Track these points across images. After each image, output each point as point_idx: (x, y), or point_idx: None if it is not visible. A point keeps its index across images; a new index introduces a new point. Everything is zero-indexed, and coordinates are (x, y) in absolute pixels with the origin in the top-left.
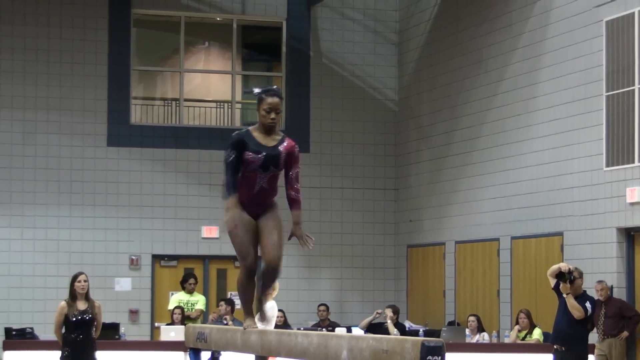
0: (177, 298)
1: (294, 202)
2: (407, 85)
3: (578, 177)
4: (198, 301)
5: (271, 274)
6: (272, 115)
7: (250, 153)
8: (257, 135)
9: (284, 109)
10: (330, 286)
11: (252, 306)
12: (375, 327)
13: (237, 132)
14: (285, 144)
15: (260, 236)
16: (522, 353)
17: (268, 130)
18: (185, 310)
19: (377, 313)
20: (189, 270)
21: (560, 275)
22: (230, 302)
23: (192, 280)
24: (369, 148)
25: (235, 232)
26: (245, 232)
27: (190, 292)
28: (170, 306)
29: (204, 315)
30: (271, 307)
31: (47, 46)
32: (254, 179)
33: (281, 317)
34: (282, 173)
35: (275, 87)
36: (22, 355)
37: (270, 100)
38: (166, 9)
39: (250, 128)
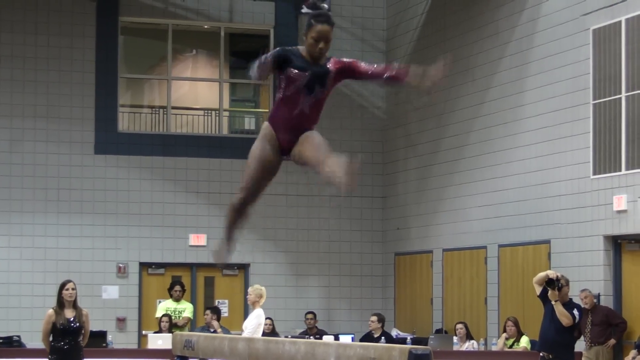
0: (165, 306)
1: (402, 74)
2: (394, 93)
3: (565, 185)
4: (185, 309)
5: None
6: (321, 45)
7: (295, 70)
8: (305, 55)
9: None
10: (318, 294)
11: (233, 237)
12: (365, 338)
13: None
14: (332, 60)
15: (300, 151)
16: None
17: (315, 59)
18: (173, 318)
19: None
20: (177, 278)
21: (549, 283)
22: (216, 310)
23: (178, 288)
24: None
25: (251, 164)
26: (259, 167)
27: (177, 300)
28: (158, 314)
29: (191, 323)
30: (257, 315)
31: (34, 54)
32: (296, 100)
33: (270, 325)
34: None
35: (327, 9)
36: None
37: (320, 27)
38: (154, 17)
39: (298, 47)
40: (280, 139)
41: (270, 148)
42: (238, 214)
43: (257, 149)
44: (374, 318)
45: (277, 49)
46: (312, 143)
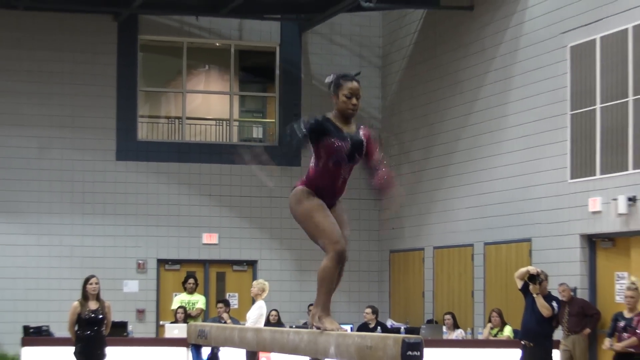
0: (180, 299)
1: (387, 185)
2: (389, 104)
3: (545, 188)
4: (198, 301)
5: (342, 266)
6: (354, 101)
7: (335, 139)
8: (338, 123)
9: (277, 125)
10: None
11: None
12: (361, 328)
13: (313, 116)
14: (362, 130)
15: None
16: (493, 348)
17: (347, 118)
18: (187, 309)
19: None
20: (191, 273)
21: (531, 278)
22: (227, 303)
23: (191, 281)
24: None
25: (323, 214)
26: (329, 215)
27: (191, 293)
28: (174, 306)
29: (204, 314)
30: (259, 306)
31: (61, 69)
32: (338, 171)
33: (276, 315)
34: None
35: (351, 73)
36: (39, 351)
37: (351, 85)
38: (170, 35)
39: (326, 115)
40: (327, 203)
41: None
42: (335, 275)
43: (316, 203)
44: (369, 310)
45: (312, 120)
46: (343, 223)
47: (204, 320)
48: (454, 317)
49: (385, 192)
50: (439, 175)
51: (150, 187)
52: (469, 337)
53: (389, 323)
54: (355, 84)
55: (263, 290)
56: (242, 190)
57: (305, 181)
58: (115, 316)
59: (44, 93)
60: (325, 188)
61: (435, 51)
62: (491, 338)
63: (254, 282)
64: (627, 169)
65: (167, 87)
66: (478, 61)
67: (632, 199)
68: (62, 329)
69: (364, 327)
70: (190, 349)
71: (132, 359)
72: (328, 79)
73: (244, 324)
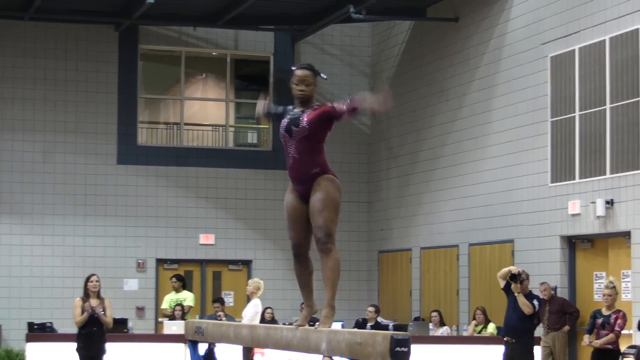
0: (168, 298)
1: (353, 108)
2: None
3: (527, 191)
4: (185, 298)
5: (320, 250)
6: (301, 87)
7: (281, 120)
8: (296, 109)
9: (271, 131)
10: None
11: (307, 293)
12: (361, 325)
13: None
14: (312, 109)
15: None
16: (478, 344)
17: (302, 103)
18: (170, 306)
19: None
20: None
21: (513, 277)
22: (222, 301)
23: (174, 280)
24: (345, 166)
25: (285, 215)
26: (289, 216)
27: (177, 291)
28: (163, 306)
29: (200, 311)
30: (255, 304)
31: (64, 77)
32: (286, 149)
33: (270, 313)
34: (316, 139)
35: (308, 63)
36: (43, 347)
37: (299, 72)
38: (169, 45)
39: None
40: (297, 189)
41: (294, 197)
42: (298, 268)
43: (285, 201)
44: (372, 308)
45: (272, 110)
46: (314, 226)
47: (200, 318)
48: (440, 314)
49: (355, 106)
50: (426, 179)
51: (149, 190)
52: (455, 333)
53: (378, 320)
54: (304, 71)
55: (258, 289)
56: (237, 193)
57: None
58: (115, 313)
59: (48, 100)
60: (289, 172)
61: (422, 61)
62: (475, 334)
63: (250, 281)
64: (604, 174)
65: (166, 94)
66: (463, 70)
67: (609, 202)
68: (65, 326)
69: (362, 324)
70: (187, 344)
71: (132, 355)
72: (291, 69)
73: (240, 321)
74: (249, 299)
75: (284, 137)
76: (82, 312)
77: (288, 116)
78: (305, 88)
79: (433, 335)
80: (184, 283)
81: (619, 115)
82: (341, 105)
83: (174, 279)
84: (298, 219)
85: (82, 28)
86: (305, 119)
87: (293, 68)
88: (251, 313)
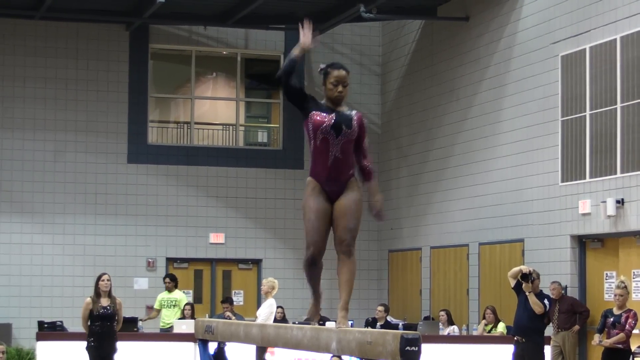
0: (160, 297)
1: (369, 173)
2: (388, 110)
3: (537, 191)
4: (177, 299)
5: (343, 252)
6: (340, 88)
7: (319, 112)
8: (326, 103)
9: (281, 130)
10: (322, 286)
11: (318, 291)
12: (371, 324)
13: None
14: (355, 113)
15: (334, 219)
16: (487, 344)
17: (335, 104)
18: (166, 307)
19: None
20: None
21: (523, 277)
22: (230, 301)
23: (167, 280)
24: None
25: (308, 216)
26: (317, 218)
27: (169, 290)
28: (156, 305)
29: (210, 310)
30: (270, 304)
31: (75, 76)
32: (327, 146)
33: (281, 312)
34: (357, 143)
35: (340, 62)
36: (53, 345)
37: (337, 73)
38: (179, 44)
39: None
40: (327, 190)
41: (323, 200)
42: (313, 269)
43: (311, 202)
44: (381, 308)
45: (298, 84)
46: (339, 226)
47: (210, 317)
48: (448, 313)
49: (368, 179)
50: (436, 178)
51: (159, 189)
52: (464, 333)
53: (388, 319)
54: (342, 71)
55: (273, 288)
56: (247, 192)
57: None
58: (125, 312)
59: (59, 99)
60: (320, 172)
61: (432, 60)
62: (485, 334)
63: (264, 280)
64: (615, 173)
65: (177, 93)
66: (473, 69)
67: (620, 202)
68: (75, 324)
69: (372, 323)
70: (197, 343)
71: (142, 354)
72: (321, 66)
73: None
74: (259, 298)
75: (329, 134)
76: (91, 314)
77: (331, 114)
78: (343, 89)
79: (443, 335)
80: (176, 283)
81: (629, 115)
82: (367, 152)
83: (167, 279)
84: (326, 221)
85: (92, 27)
86: (357, 122)
87: (323, 66)
88: (266, 313)
